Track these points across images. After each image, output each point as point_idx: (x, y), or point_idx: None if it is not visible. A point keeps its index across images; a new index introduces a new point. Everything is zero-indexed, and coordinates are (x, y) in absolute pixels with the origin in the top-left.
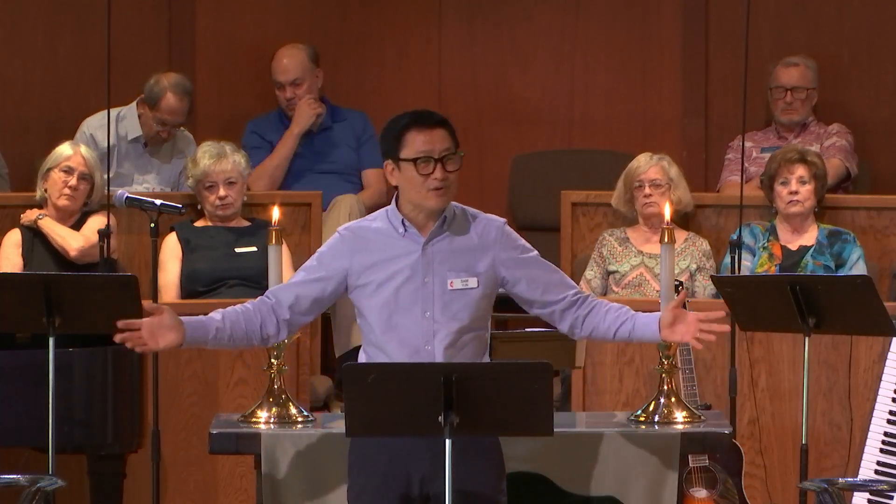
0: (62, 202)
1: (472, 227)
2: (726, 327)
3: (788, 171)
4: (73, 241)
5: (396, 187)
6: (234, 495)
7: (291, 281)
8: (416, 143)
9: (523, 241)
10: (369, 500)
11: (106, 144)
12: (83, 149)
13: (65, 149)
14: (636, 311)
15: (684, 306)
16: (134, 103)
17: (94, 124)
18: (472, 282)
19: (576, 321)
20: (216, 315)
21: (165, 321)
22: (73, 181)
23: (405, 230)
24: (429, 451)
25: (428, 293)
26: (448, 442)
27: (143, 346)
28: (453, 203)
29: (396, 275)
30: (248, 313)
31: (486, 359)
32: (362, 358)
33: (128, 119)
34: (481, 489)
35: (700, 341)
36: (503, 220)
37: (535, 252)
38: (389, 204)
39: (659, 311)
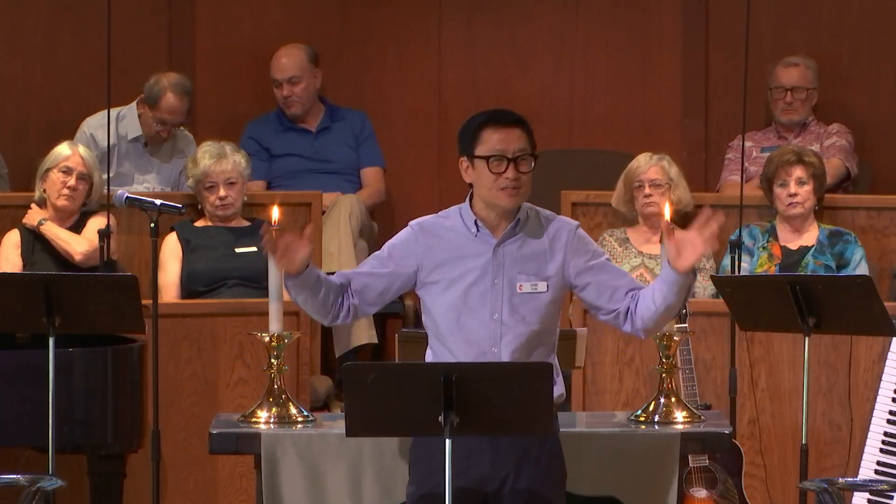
0: (61, 202)
1: (544, 230)
2: (721, 218)
3: (786, 172)
4: (78, 245)
5: (471, 185)
6: (234, 495)
7: (362, 269)
8: (491, 140)
9: (595, 246)
10: (428, 499)
11: (106, 144)
12: (81, 149)
13: (63, 149)
14: None
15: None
16: (134, 103)
17: (95, 124)
18: (542, 286)
19: (634, 320)
20: (320, 272)
21: (303, 249)
22: (71, 181)
23: (477, 230)
24: (489, 452)
25: (497, 295)
26: (448, 442)
27: (272, 250)
28: (527, 204)
29: (466, 274)
30: (335, 286)
31: (554, 361)
32: (428, 356)
33: (128, 119)
34: (544, 491)
35: (708, 242)
36: (576, 223)
37: (605, 256)
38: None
39: None
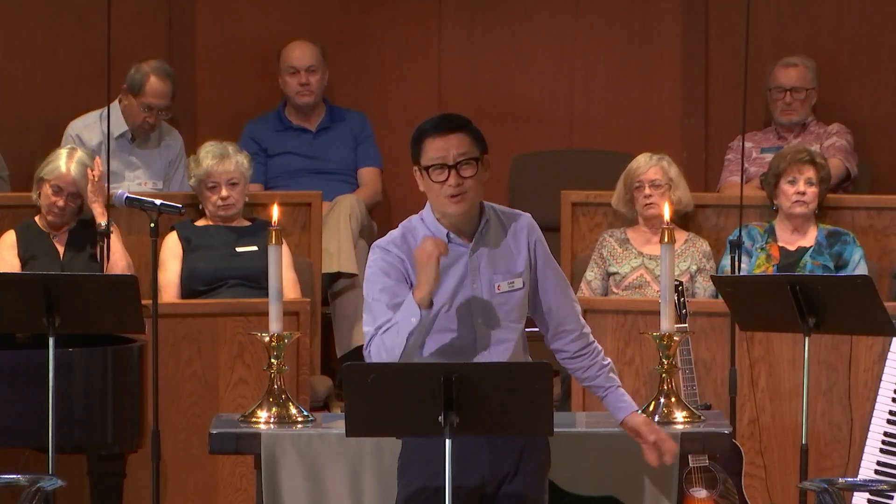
0: (50, 218)
1: (506, 227)
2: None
3: (798, 170)
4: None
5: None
6: (234, 495)
7: (393, 302)
8: (431, 149)
9: (547, 249)
10: (425, 501)
11: (94, 143)
12: (74, 167)
13: (60, 164)
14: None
15: None
16: (116, 100)
17: (80, 125)
18: (518, 282)
19: (568, 365)
20: None
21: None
22: (61, 202)
23: (449, 240)
24: (488, 452)
25: (477, 298)
26: (448, 442)
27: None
28: (487, 204)
29: (447, 282)
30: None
31: (528, 357)
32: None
33: (112, 117)
34: (528, 490)
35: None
36: (528, 214)
37: (556, 268)
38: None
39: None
